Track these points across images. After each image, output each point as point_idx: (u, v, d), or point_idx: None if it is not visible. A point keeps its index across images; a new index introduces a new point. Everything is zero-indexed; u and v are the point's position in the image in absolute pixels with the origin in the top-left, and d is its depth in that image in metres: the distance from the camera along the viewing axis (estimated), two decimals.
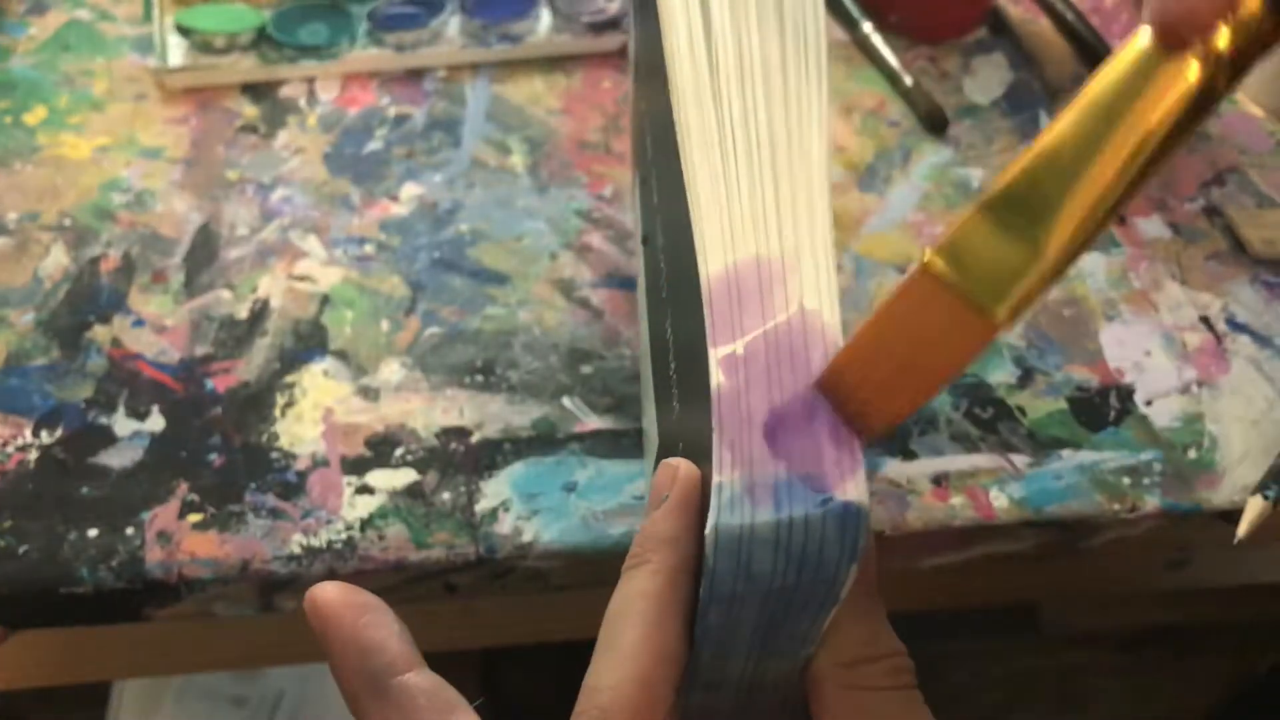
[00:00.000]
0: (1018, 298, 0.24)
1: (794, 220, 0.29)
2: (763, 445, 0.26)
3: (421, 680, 0.26)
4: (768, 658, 0.28)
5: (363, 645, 0.27)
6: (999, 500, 0.43)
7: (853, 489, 0.25)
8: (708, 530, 0.25)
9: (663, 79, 0.32)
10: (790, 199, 0.29)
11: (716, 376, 0.26)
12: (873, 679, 0.28)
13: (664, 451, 0.33)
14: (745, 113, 0.30)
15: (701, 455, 0.28)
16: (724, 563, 0.25)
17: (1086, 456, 0.45)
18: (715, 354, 0.27)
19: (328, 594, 0.27)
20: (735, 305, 0.27)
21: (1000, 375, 0.48)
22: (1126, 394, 0.47)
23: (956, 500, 0.43)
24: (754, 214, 0.29)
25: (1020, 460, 0.45)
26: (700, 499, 0.27)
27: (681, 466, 0.28)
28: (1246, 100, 0.61)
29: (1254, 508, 0.43)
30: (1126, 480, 0.44)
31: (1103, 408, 0.47)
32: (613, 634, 0.27)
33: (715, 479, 0.25)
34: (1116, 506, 0.43)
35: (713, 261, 0.28)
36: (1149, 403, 0.47)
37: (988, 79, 0.62)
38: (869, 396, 0.25)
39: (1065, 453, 0.45)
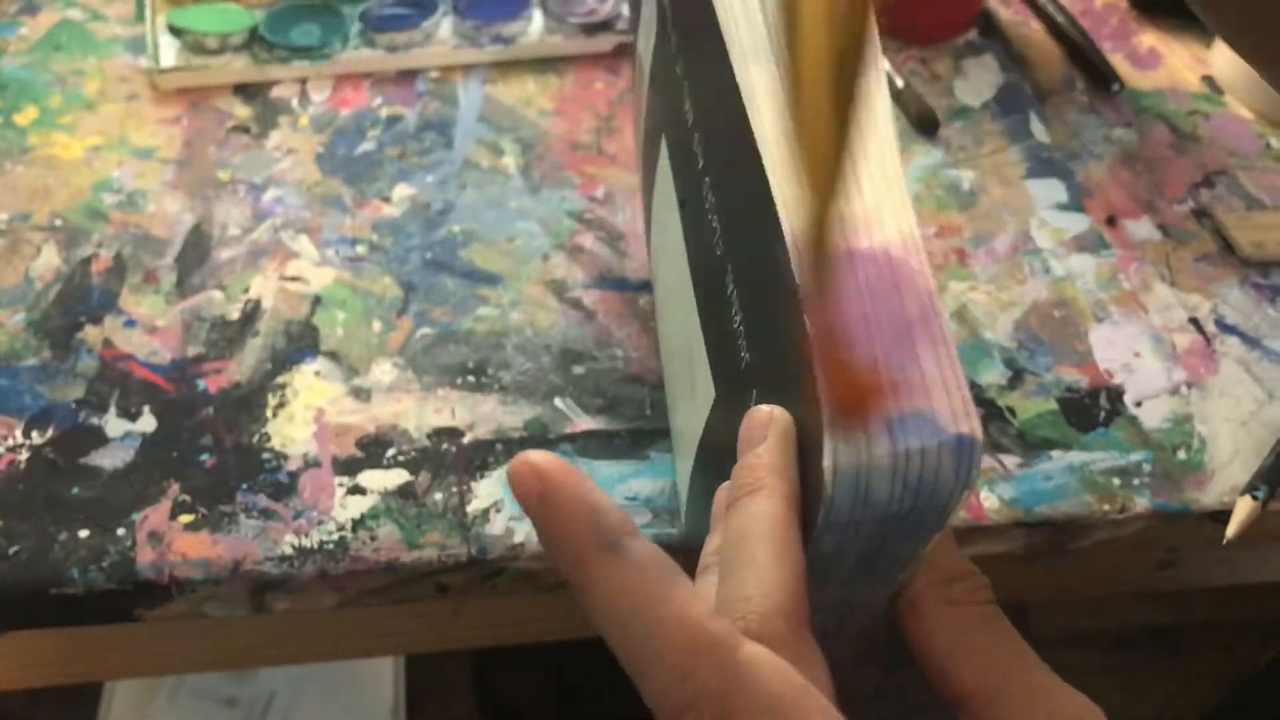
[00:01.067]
0: None
1: (870, 174, 0.30)
2: (870, 382, 0.26)
3: (647, 543, 0.27)
4: (866, 582, 0.30)
5: (593, 504, 0.27)
6: (989, 501, 0.44)
7: (965, 423, 0.26)
8: (825, 462, 0.26)
9: (708, 41, 0.33)
10: (864, 153, 0.30)
11: (809, 322, 0.27)
12: (967, 595, 0.29)
13: (725, 405, 0.34)
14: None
15: (787, 400, 0.29)
16: (843, 491, 0.26)
17: (1076, 457, 0.45)
18: (808, 302, 0.27)
19: (545, 457, 0.28)
20: (822, 260, 0.28)
21: (990, 376, 0.48)
22: (1116, 395, 0.47)
23: None
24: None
25: (1010, 461, 0.45)
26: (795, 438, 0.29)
27: (774, 409, 0.29)
28: (1235, 103, 0.62)
29: (1243, 508, 0.43)
30: (1116, 481, 0.44)
31: (1092, 409, 0.47)
32: (745, 552, 0.27)
33: (826, 419, 0.26)
34: (1106, 507, 0.44)
35: (796, 219, 0.29)
36: (1138, 404, 0.47)
37: (978, 81, 0.62)
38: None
39: (1055, 453, 0.45)
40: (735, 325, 0.33)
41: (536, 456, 0.27)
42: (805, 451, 0.28)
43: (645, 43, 0.45)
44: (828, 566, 0.29)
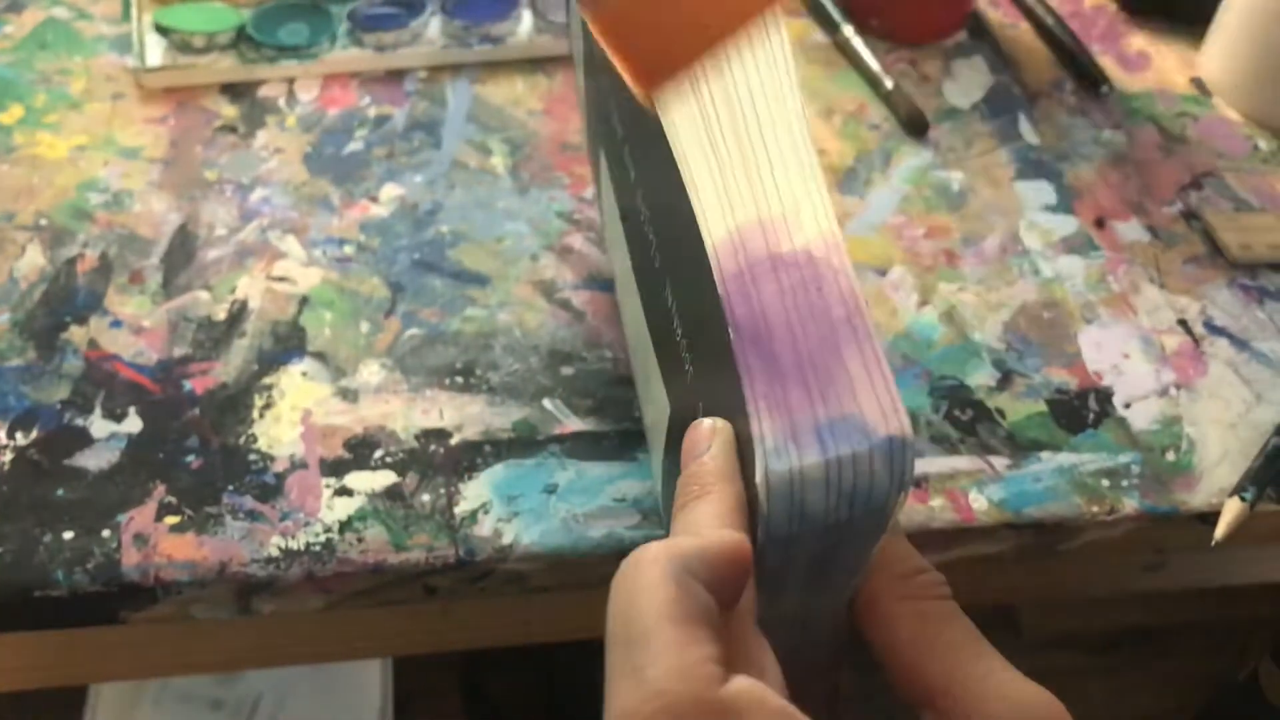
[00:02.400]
0: None
1: (787, 176, 0.29)
2: (796, 392, 0.26)
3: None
4: (821, 591, 0.29)
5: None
6: (978, 502, 0.44)
7: (894, 422, 0.26)
8: (758, 477, 0.26)
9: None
10: (779, 155, 0.30)
11: (735, 333, 0.27)
12: (925, 590, 0.29)
13: (679, 419, 0.34)
14: (722, 79, 0.31)
15: (727, 412, 0.29)
16: (778, 506, 0.26)
17: (1065, 459, 0.45)
18: (732, 313, 0.27)
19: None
20: (745, 268, 0.28)
21: (979, 378, 0.48)
22: (1105, 397, 0.47)
23: (936, 502, 0.43)
24: (748, 177, 0.30)
25: (999, 462, 0.45)
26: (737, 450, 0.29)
27: (717, 422, 0.29)
28: (1224, 105, 0.62)
29: (1231, 510, 0.43)
30: (1105, 482, 0.44)
31: (1081, 410, 0.47)
32: (685, 527, 0.28)
33: (755, 429, 0.26)
34: (1095, 508, 0.44)
35: (715, 229, 0.29)
36: (1127, 405, 0.47)
37: (968, 82, 0.62)
38: (652, 44, 0.27)
39: (1044, 455, 0.45)
40: (678, 337, 0.33)
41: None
42: (744, 467, 0.28)
43: (577, 54, 0.45)
44: (778, 580, 0.28)
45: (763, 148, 0.30)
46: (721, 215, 0.29)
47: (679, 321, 0.32)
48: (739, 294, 0.28)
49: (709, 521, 0.27)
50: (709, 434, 0.29)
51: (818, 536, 0.27)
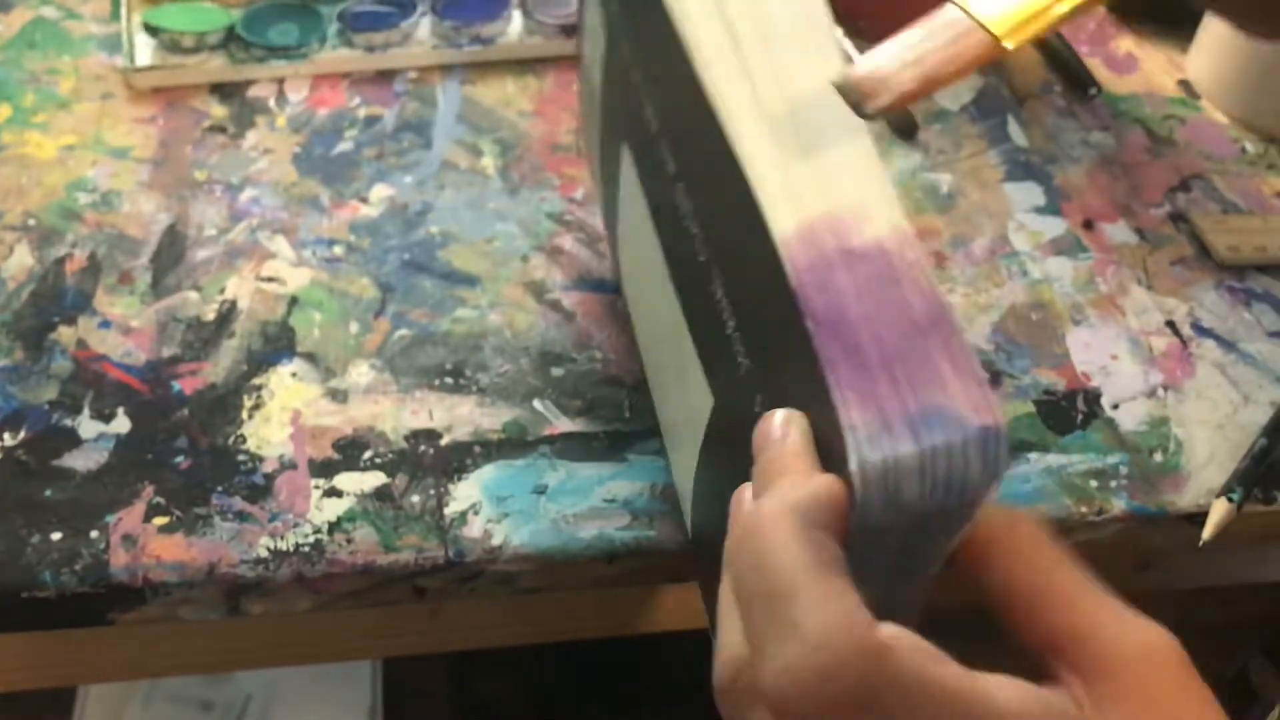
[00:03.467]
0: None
1: (853, 170, 0.30)
2: (884, 383, 0.26)
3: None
4: (900, 580, 0.29)
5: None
6: None
7: (986, 413, 0.26)
8: (851, 466, 0.26)
9: (668, 49, 0.33)
10: (842, 150, 0.30)
11: (814, 325, 0.27)
12: (1034, 538, 0.29)
13: (726, 413, 0.34)
14: (776, 72, 0.31)
15: (799, 404, 0.29)
16: (873, 495, 0.26)
17: (1054, 460, 0.45)
18: (809, 306, 0.27)
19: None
20: (817, 261, 0.28)
21: None
22: (1093, 398, 0.48)
23: None
24: (813, 171, 0.30)
25: None
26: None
27: (790, 413, 0.29)
28: (1211, 107, 0.62)
29: (1219, 510, 0.43)
30: (1093, 483, 0.45)
31: (1070, 411, 0.47)
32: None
33: (844, 420, 0.26)
34: (1084, 509, 0.44)
35: (782, 222, 0.28)
36: (1115, 406, 0.47)
37: (956, 85, 0.62)
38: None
39: (1033, 456, 0.45)
40: (729, 331, 0.32)
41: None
42: (824, 459, 0.28)
43: (592, 51, 0.45)
44: (865, 569, 0.28)
45: (826, 142, 0.30)
46: (788, 208, 0.29)
47: (731, 315, 0.32)
48: (814, 286, 0.28)
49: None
50: (785, 422, 0.29)
51: (908, 526, 0.27)
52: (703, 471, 0.38)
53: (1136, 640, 0.27)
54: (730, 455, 0.34)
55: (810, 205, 0.29)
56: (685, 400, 0.39)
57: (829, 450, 0.27)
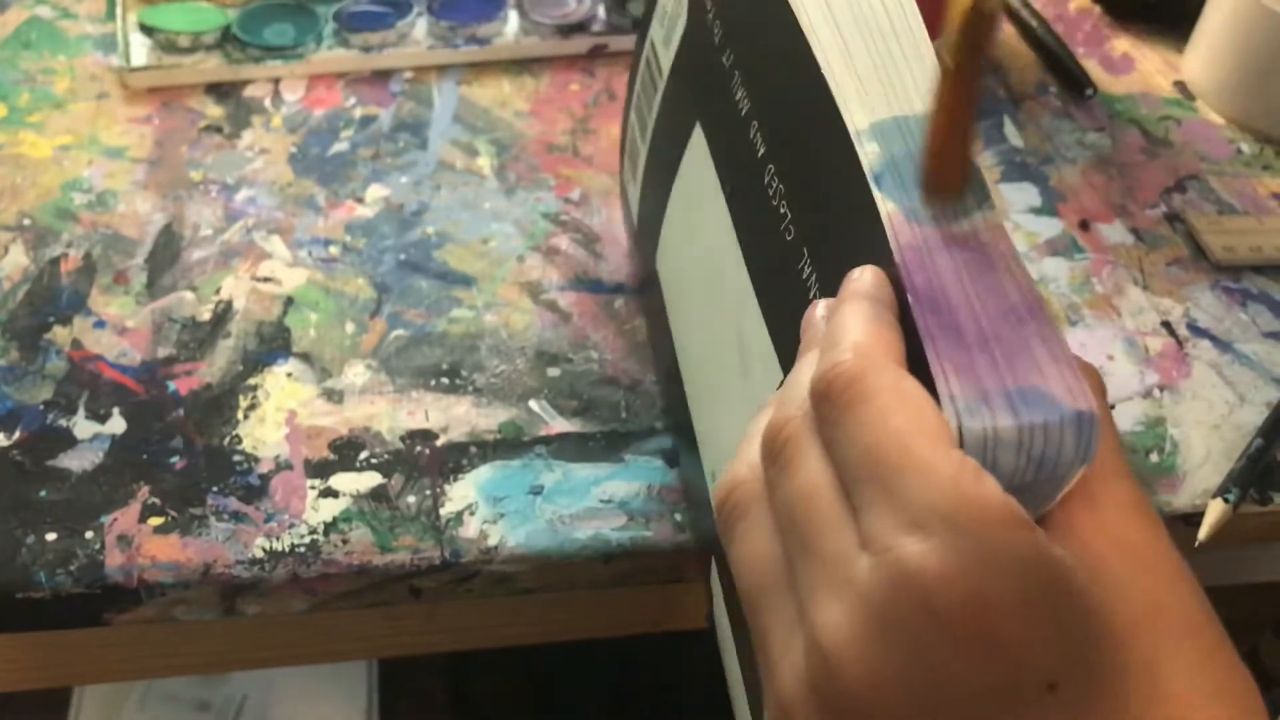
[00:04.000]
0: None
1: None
2: (982, 360, 0.27)
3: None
4: None
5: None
6: None
7: (1081, 400, 0.26)
8: (952, 431, 0.26)
9: (779, 35, 0.35)
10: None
11: (914, 300, 0.28)
12: None
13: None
14: (876, 56, 0.33)
15: None
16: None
17: None
18: (911, 282, 0.28)
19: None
20: (920, 240, 0.29)
21: None
22: None
23: None
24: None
25: None
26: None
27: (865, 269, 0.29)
28: (1207, 108, 0.62)
29: (1215, 511, 0.43)
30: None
31: None
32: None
33: (943, 390, 0.26)
34: None
35: (888, 202, 0.29)
36: (1112, 406, 0.47)
37: None
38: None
39: None
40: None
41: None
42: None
43: (664, 35, 0.45)
44: None
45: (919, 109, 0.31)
46: (897, 189, 0.30)
47: (820, 294, 0.33)
48: (916, 264, 0.28)
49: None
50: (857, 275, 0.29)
51: None
52: None
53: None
54: None
55: (916, 191, 0.30)
56: (751, 394, 0.38)
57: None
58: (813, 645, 0.24)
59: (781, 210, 0.35)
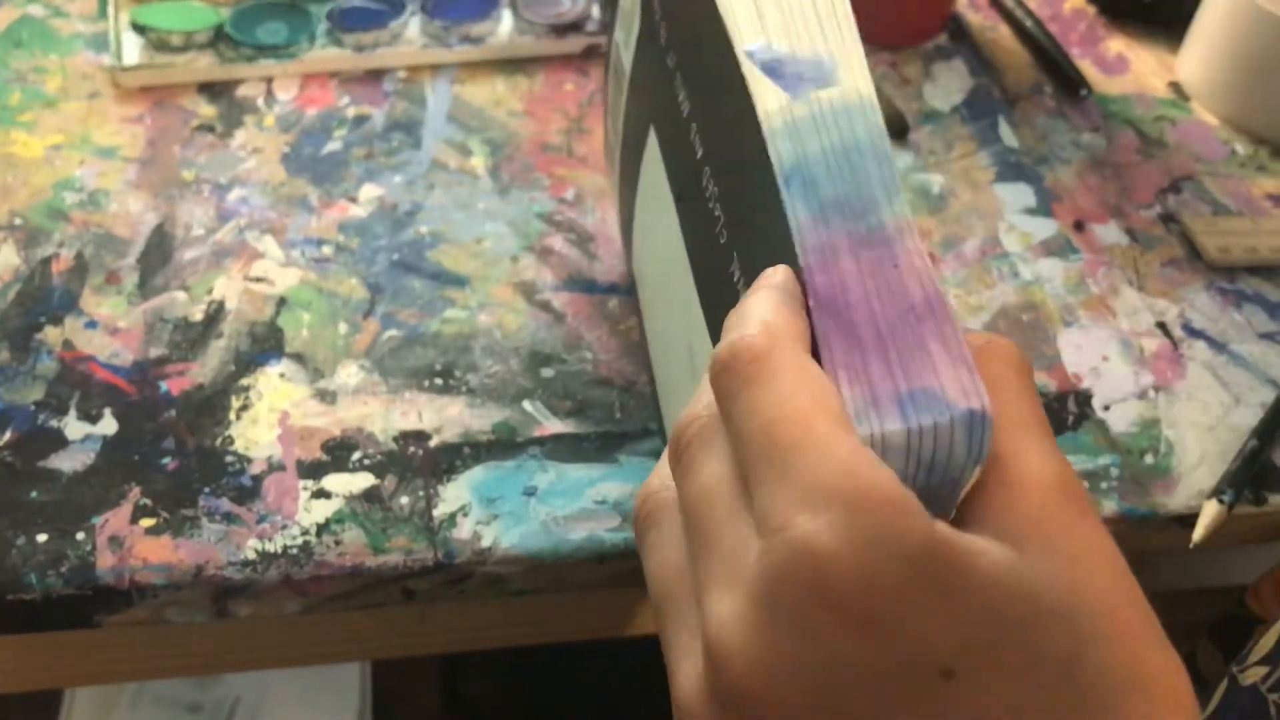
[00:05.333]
0: None
1: (861, 155, 0.31)
2: (876, 363, 0.27)
3: None
4: None
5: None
6: None
7: (975, 398, 0.26)
8: None
9: (707, 31, 0.34)
10: (855, 137, 0.31)
11: (814, 302, 0.28)
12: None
13: None
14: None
15: None
16: None
17: None
18: (813, 284, 0.28)
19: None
20: (826, 241, 0.29)
21: None
22: (1084, 399, 0.48)
23: None
24: (826, 155, 0.31)
25: None
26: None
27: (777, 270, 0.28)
28: (1201, 109, 0.62)
29: (1209, 512, 0.43)
30: (1084, 484, 0.44)
31: (1061, 413, 0.47)
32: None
33: None
34: None
35: (800, 206, 0.30)
36: (1106, 408, 0.47)
37: (948, 85, 0.62)
38: None
39: None
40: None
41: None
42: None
43: (625, 38, 0.45)
44: None
45: (844, 126, 0.31)
46: (806, 191, 0.30)
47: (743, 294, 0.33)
48: (819, 266, 0.29)
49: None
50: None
51: None
52: None
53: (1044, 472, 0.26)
54: None
55: (827, 189, 0.30)
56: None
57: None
58: (705, 642, 0.24)
59: (716, 213, 0.35)
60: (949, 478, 0.27)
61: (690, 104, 0.37)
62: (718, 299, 0.36)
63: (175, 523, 0.42)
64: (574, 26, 0.62)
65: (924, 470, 0.26)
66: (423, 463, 0.44)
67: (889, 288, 0.28)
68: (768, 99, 0.32)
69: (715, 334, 0.36)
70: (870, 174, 0.30)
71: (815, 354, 0.27)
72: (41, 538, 0.41)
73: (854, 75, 0.33)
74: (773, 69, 0.33)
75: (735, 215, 0.34)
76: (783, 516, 0.23)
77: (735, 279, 0.34)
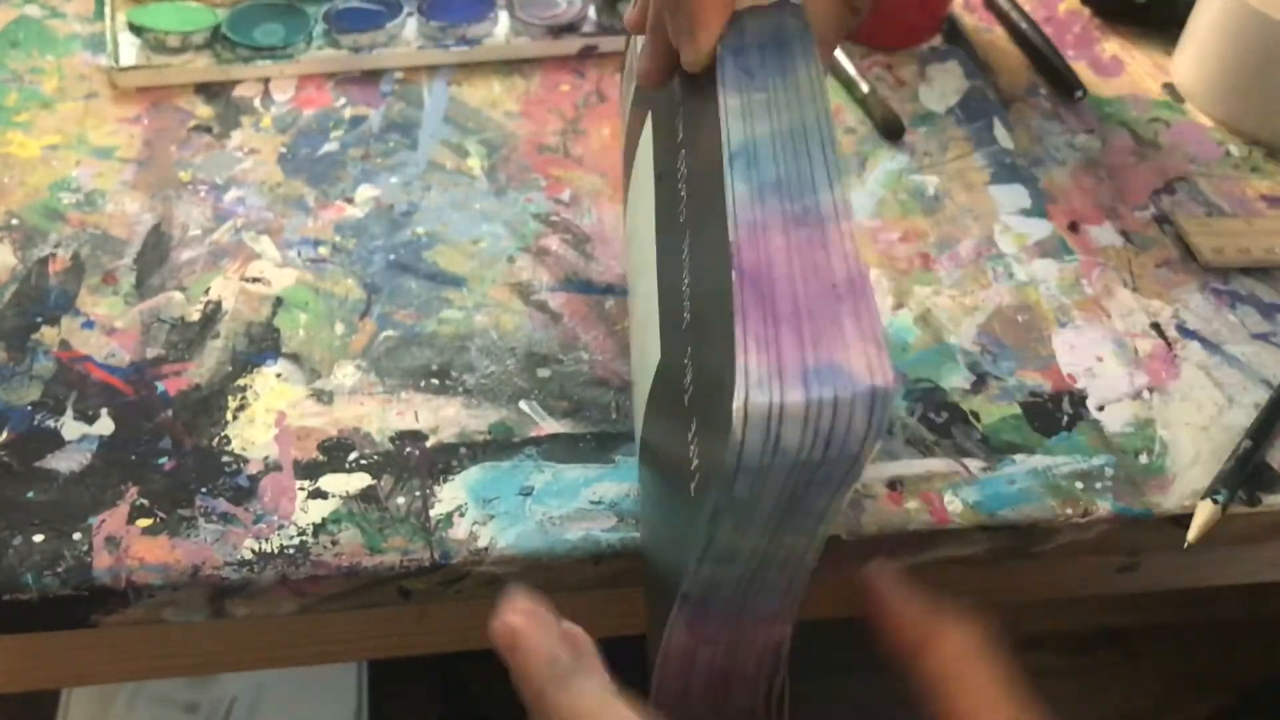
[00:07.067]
0: None
1: (805, 141, 0.32)
2: (788, 337, 0.28)
3: (594, 679, 0.33)
4: (784, 534, 0.30)
5: (551, 652, 0.33)
6: (953, 504, 0.44)
7: (879, 375, 0.27)
8: (735, 404, 0.27)
9: None
10: (802, 123, 0.33)
11: (737, 275, 0.29)
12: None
13: (668, 370, 0.35)
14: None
15: (715, 356, 0.30)
16: (754, 435, 0.27)
17: (1039, 461, 0.45)
18: (740, 257, 0.29)
19: (520, 618, 0.34)
20: (759, 219, 0.30)
21: (954, 380, 0.48)
22: (1079, 399, 0.48)
23: (911, 504, 0.44)
24: (773, 140, 0.33)
25: (974, 465, 0.45)
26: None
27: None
28: (1196, 111, 0.62)
29: (1204, 512, 0.43)
30: (1079, 485, 0.45)
31: (1055, 413, 0.47)
32: None
33: (740, 362, 0.27)
34: (1069, 511, 0.44)
35: (740, 183, 0.31)
36: (1101, 408, 0.47)
37: (943, 87, 0.62)
38: None
39: (1019, 457, 0.45)
40: (684, 286, 0.34)
41: (514, 619, 0.33)
42: (719, 395, 0.29)
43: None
44: (745, 514, 0.29)
45: (793, 112, 0.33)
46: (748, 170, 0.31)
47: (688, 271, 0.34)
48: (749, 242, 0.29)
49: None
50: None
51: (788, 473, 0.28)
52: (645, 437, 0.39)
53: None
54: (665, 425, 0.35)
55: (768, 170, 0.31)
56: (646, 370, 0.39)
57: (723, 388, 0.28)
58: None
59: (681, 193, 0.36)
60: (846, 453, 0.27)
61: (681, 91, 0.39)
62: (670, 274, 0.37)
63: (172, 523, 0.42)
64: (570, 28, 0.62)
65: (821, 443, 0.27)
66: (419, 463, 0.44)
67: (815, 266, 0.29)
68: (729, 86, 0.33)
69: (661, 307, 0.37)
70: (814, 158, 0.31)
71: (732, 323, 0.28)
72: (38, 538, 0.41)
73: (809, 67, 0.34)
74: (742, 65, 0.34)
75: (695, 194, 0.35)
76: None
77: (683, 255, 0.35)
